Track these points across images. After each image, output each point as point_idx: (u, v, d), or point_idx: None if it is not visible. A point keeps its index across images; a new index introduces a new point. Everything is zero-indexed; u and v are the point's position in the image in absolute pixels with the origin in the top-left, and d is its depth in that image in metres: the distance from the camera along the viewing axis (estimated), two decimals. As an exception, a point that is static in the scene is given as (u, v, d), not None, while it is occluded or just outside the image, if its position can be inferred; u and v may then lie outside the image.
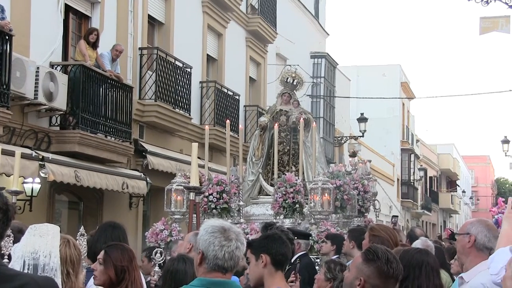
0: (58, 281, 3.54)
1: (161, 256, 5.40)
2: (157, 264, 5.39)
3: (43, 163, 11.23)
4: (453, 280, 6.53)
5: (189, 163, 7.97)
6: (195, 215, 9.73)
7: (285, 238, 3.77)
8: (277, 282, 3.64)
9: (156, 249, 5.58)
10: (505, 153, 35.75)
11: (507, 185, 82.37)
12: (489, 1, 13.15)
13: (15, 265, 3.51)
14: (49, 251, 3.50)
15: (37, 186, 11.24)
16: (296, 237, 8.29)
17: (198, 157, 6.88)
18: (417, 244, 6.56)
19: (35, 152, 11.26)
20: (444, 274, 6.21)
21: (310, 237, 9.04)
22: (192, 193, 6.48)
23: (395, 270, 3.40)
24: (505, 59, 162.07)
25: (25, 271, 3.42)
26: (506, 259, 3.79)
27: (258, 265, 3.63)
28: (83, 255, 4.68)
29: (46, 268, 3.54)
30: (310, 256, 8.55)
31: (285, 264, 3.76)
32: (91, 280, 4.77)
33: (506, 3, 13.04)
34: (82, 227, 5.10)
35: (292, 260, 8.15)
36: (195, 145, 6.44)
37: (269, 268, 3.63)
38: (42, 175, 11.21)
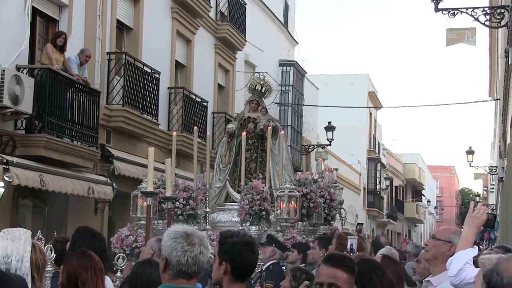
0: (29, 285, 3.51)
1: (123, 262, 5.36)
2: (119, 270, 5.35)
3: (7, 166, 11.08)
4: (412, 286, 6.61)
5: (156, 169, 7.93)
6: (161, 221, 9.74)
7: (255, 247, 3.72)
8: None
9: (118, 254, 5.54)
10: (470, 163, 36.20)
11: (471, 195, 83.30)
12: (455, 13, 13.33)
13: (-13, 268, 3.48)
14: (21, 255, 3.47)
15: (0, 190, 11.09)
16: (273, 245, 8.32)
17: (161, 162, 6.81)
18: (381, 252, 6.61)
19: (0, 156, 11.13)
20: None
21: (286, 251, 8.90)
22: (149, 198, 6.46)
23: None
24: (471, 70, 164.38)
25: None
26: (463, 261, 3.95)
27: (220, 270, 3.60)
28: (49, 260, 4.63)
29: (18, 273, 3.51)
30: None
31: (247, 275, 3.72)
32: None
33: (472, 16, 13.23)
34: (39, 231, 5.04)
35: (265, 267, 8.17)
36: (151, 150, 6.43)
37: (229, 277, 3.59)
38: (6, 179, 11.06)
